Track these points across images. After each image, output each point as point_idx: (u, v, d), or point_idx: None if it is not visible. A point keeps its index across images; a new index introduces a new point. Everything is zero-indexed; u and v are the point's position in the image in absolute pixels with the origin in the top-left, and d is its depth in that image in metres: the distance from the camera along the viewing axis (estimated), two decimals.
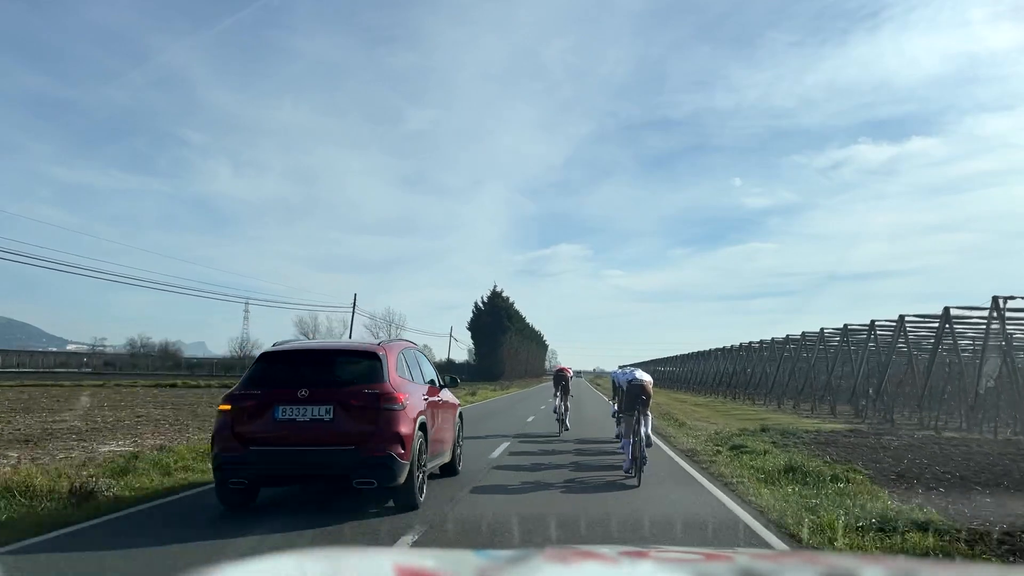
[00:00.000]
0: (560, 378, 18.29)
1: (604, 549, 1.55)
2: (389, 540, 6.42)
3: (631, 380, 11.18)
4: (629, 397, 11.06)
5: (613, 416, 17.63)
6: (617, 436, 14.89)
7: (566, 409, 17.60)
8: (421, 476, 7.95)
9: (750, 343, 43.55)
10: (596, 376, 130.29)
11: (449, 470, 10.09)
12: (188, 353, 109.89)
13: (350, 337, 48.18)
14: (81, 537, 6.56)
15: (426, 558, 1.50)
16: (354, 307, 54.99)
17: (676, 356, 75.24)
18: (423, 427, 8.13)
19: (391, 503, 7.77)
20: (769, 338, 39.49)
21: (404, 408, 7.64)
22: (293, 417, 7.42)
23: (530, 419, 22.03)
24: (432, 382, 9.67)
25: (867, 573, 1.38)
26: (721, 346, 51.74)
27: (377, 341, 9.82)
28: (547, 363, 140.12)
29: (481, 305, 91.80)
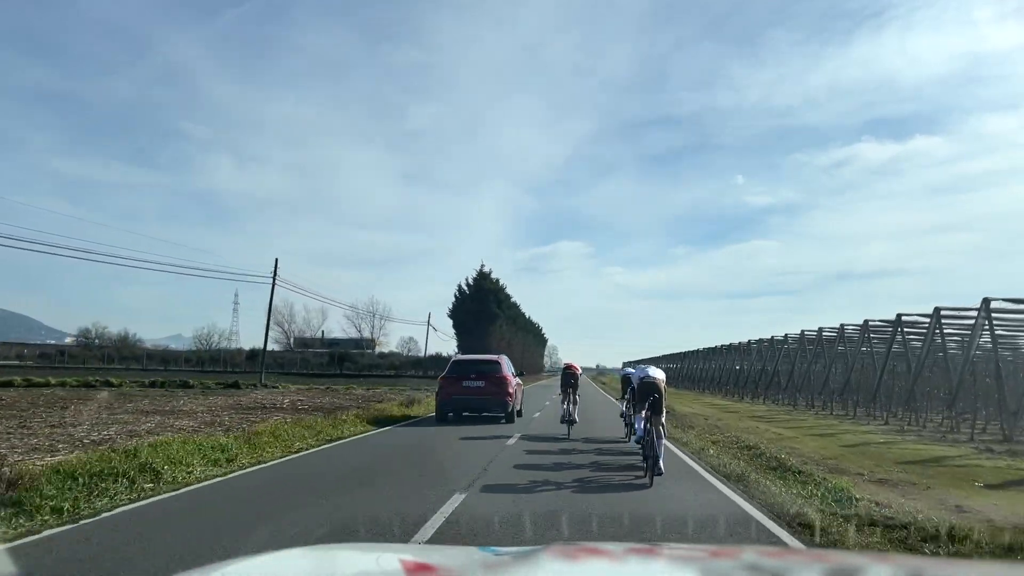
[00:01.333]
0: (568, 378, 16.36)
1: (611, 546, 1.54)
2: (505, 436, 15.28)
3: (643, 377, 10.64)
4: (640, 395, 10.59)
5: (622, 416, 16.79)
6: (627, 436, 14.56)
7: (573, 420, 15.84)
8: (513, 412, 19.17)
9: (772, 338, 39.26)
10: (599, 374, 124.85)
11: (518, 414, 20.33)
12: (170, 345, 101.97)
13: (269, 309, 49.21)
14: None
15: (432, 554, 1.52)
16: (275, 277, 47.85)
17: (681, 353, 71.22)
18: (513, 392, 19.22)
19: (503, 421, 18.77)
20: (798, 332, 35.16)
21: (508, 383, 19.08)
22: (468, 385, 18.85)
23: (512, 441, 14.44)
24: (514, 373, 20.58)
25: (874, 571, 1.38)
26: (728, 343, 50.85)
27: (497, 356, 21.37)
28: (546, 359, 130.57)
29: (465, 288, 75.40)
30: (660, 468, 9.60)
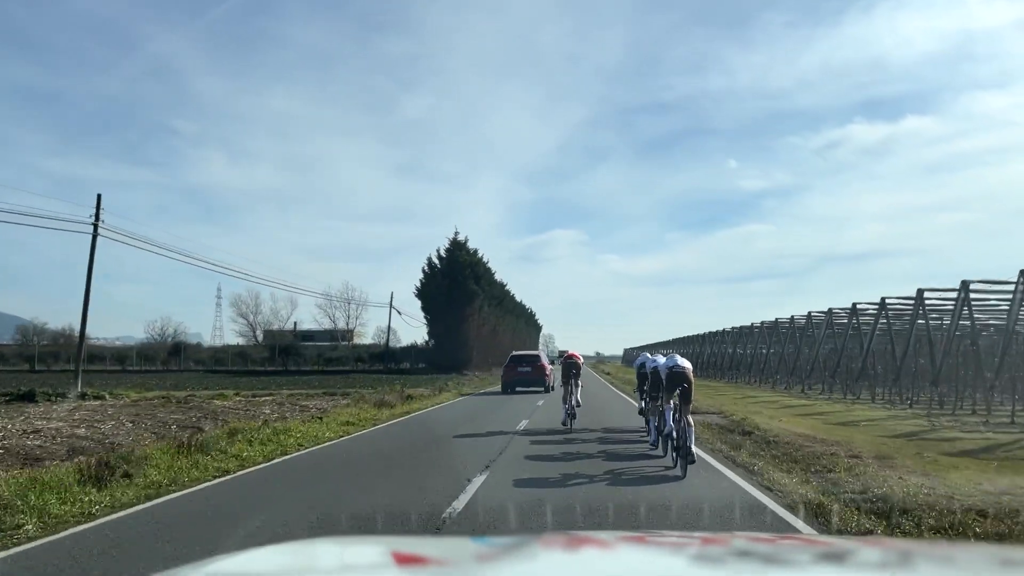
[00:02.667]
0: (570, 367, 15.90)
1: (602, 534, 1.54)
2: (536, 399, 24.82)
3: (672, 367, 10.38)
4: (669, 385, 10.38)
5: (641, 414, 15.25)
6: (653, 440, 12.37)
7: (577, 404, 15.57)
8: (550, 387, 29.58)
9: (778, 320, 38.46)
10: (598, 361, 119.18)
11: (551, 388, 29.00)
12: (133, 341, 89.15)
13: (88, 274, 45.21)
14: None
15: (424, 545, 1.52)
16: (96, 222, 43.78)
17: (680, 339, 69.96)
18: (549, 373, 30.69)
19: (545, 393, 27.91)
20: (796, 314, 35.60)
21: (545, 368, 30.96)
22: (521, 370, 30.81)
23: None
24: (549, 361, 33.75)
25: (864, 554, 1.37)
26: (722, 328, 51.38)
27: (536, 351, 36.35)
28: (541, 348, 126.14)
29: (436, 261, 61.14)
30: (693, 456, 9.47)
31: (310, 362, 71.88)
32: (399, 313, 72.50)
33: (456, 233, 62.75)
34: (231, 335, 77.69)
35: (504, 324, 72.94)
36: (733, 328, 47.61)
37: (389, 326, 77.10)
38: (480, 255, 64.30)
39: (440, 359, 58.29)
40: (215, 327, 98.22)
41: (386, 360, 69.91)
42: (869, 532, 6.20)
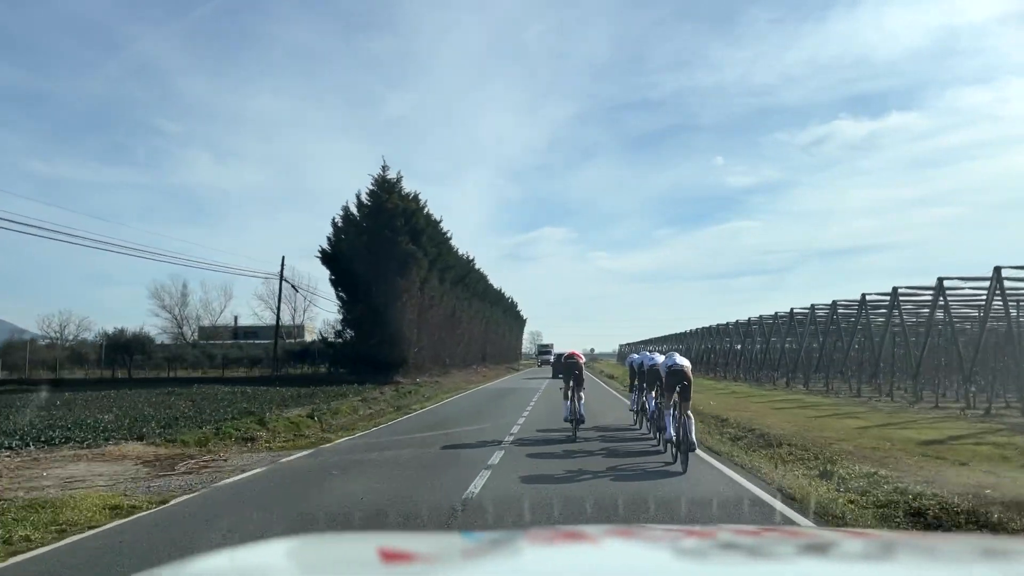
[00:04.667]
0: (571, 367, 14.16)
1: (589, 529, 1.53)
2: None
3: (671, 366, 10.58)
4: (668, 384, 10.58)
5: (632, 410, 16.07)
6: (643, 418, 14.14)
7: (581, 419, 13.78)
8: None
9: (776, 314, 36.37)
10: (591, 359, 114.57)
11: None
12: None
13: None
14: None
15: (410, 541, 1.49)
16: None
17: (675, 335, 68.38)
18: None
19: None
20: (783, 310, 34.76)
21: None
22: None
23: None
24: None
25: (847, 546, 1.38)
26: (708, 325, 51.48)
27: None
28: (526, 345, 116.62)
29: (354, 212, 40.25)
30: (694, 445, 9.80)
31: (158, 363, 54.42)
32: (296, 290, 48.83)
33: (384, 169, 39.95)
34: (154, 332, 60.79)
35: (472, 310, 56.77)
36: (718, 325, 48.24)
37: (279, 307, 47.65)
38: (423, 203, 40.97)
39: (365, 358, 36.90)
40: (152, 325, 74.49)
41: (278, 364, 46.26)
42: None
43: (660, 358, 12.69)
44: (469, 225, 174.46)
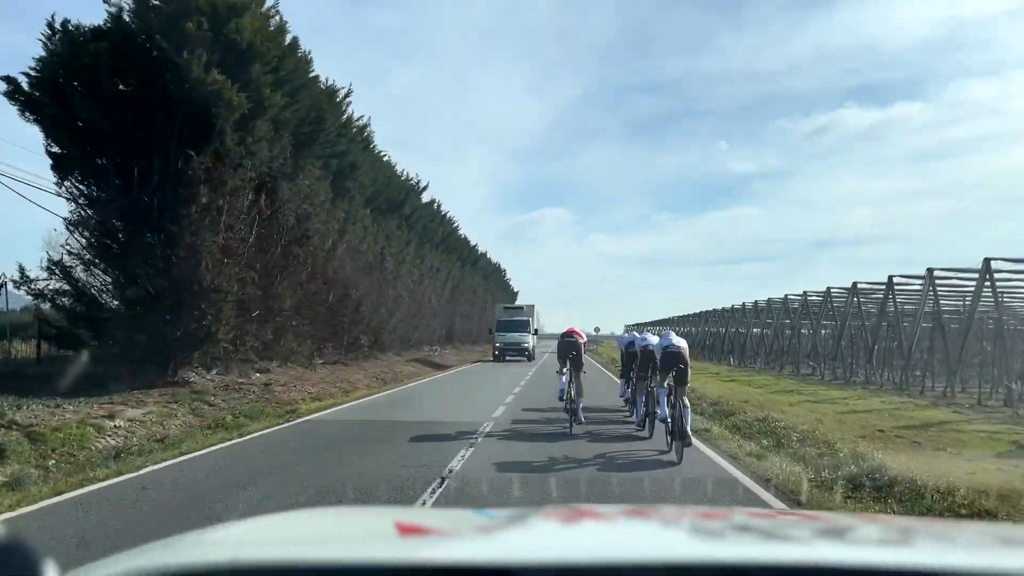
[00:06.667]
0: (569, 347, 12.48)
1: (603, 508, 1.54)
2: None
3: (666, 347, 10.00)
4: (664, 366, 10.00)
5: (622, 396, 14.93)
6: (639, 423, 12.27)
7: (578, 393, 12.23)
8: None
9: (787, 297, 34.59)
10: (593, 341, 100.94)
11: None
12: None
13: None
14: None
15: (426, 516, 1.52)
16: None
17: (681, 317, 65.83)
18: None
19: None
20: (786, 295, 33.82)
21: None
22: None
23: None
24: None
25: (863, 531, 1.38)
26: (706, 309, 51.07)
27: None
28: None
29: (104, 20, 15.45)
30: (689, 439, 9.26)
31: None
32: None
33: None
34: None
35: (424, 266, 39.58)
36: (715, 310, 48.21)
37: None
38: (284, 23, 19.47)
39: (132, 328, 15.74)
40: None
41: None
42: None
43: (654, 339, 11.95)
44: (471, 202, 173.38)
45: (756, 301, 38.40)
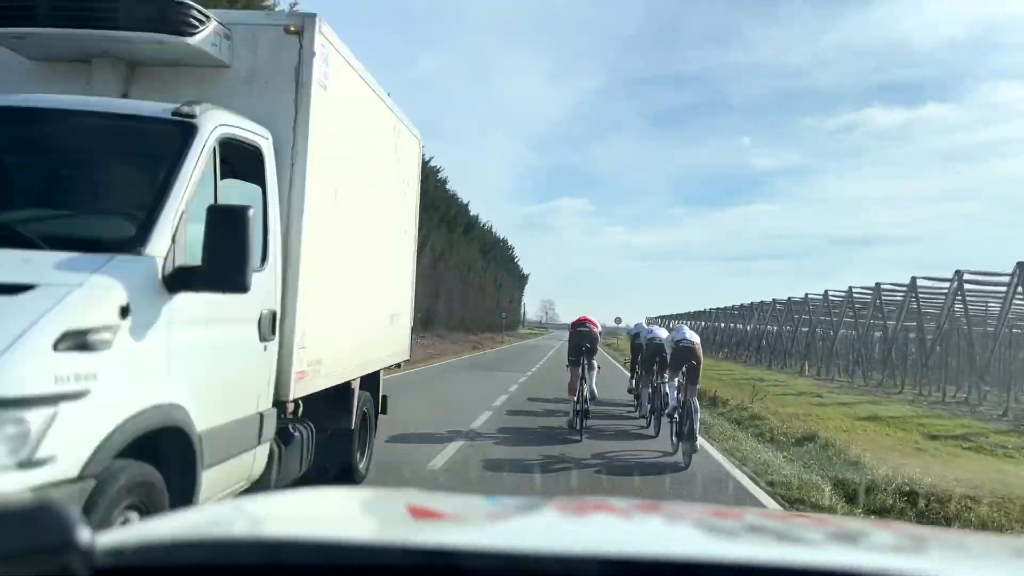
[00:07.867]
0: (583, 337, 10.68)
1: (615, 501, 1.54)
2: None
3: (679, 341, 9.44)
4: (675, 361, 9.36)
5: (631, 392, 14.10)
6: (647, 422, 11.37)
7: (592, 396, 11.07)
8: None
9: (807, 295, 33.52)
10: (612, 332, 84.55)
11: None
12: None
13: None
14: None
15: (437, 501, 1.50)
16: None
17: (699, 312, 62.67)
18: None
19: None
20: (808, 294, 32.66)
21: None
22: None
23: None
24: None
25: (877, 537, 1.38)
26: (720, 306, 50.30)
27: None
28: (541, 314, 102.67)
29: None
30: (696, 446, 8.58)
31: None
32: None
33: None
34: None
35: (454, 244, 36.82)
36: (733, 307, 47.51)
37: None
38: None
39: None
40: None
41: None
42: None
43: (663, 333, 11.34)
44: (490, 188, 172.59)
45: (790, 297, 36.14)
